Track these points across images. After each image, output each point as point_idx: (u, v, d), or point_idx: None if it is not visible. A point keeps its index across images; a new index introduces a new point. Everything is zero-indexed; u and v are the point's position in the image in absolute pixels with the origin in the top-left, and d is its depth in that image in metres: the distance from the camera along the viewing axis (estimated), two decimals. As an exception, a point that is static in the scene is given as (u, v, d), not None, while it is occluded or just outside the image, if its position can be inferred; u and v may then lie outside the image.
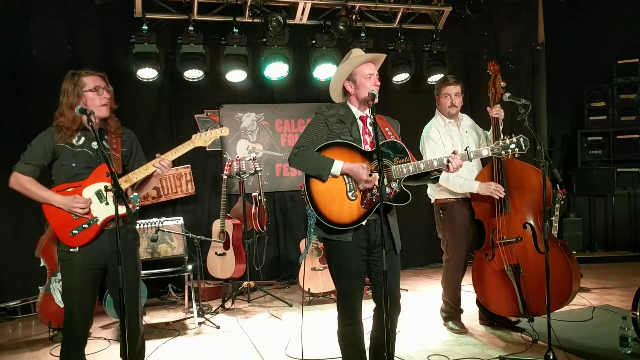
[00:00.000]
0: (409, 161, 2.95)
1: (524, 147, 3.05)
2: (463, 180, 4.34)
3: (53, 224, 3.02)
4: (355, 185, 2.96)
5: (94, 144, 3.08)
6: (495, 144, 3.09)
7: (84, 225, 3.00)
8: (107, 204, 3.01)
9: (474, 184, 4.31)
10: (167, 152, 3.17)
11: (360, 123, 3.10)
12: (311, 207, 2.99)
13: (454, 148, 4.36)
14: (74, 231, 3.00)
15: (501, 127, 4.34)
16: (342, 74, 3.12)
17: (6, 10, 5.84)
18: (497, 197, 4.20)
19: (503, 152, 3.06)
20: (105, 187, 2.90)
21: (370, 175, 2.92)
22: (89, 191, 3.04)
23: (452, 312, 4.63)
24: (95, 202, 3.03)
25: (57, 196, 3.01)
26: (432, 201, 4.69)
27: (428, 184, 4.54)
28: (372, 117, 2.83)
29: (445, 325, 4.68)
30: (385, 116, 3.24)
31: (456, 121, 4.57)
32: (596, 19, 7.73)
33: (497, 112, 4.30)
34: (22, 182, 3.03)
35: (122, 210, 2.85)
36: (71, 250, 3.01)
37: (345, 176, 2.96)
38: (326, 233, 3.03)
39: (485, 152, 3.10)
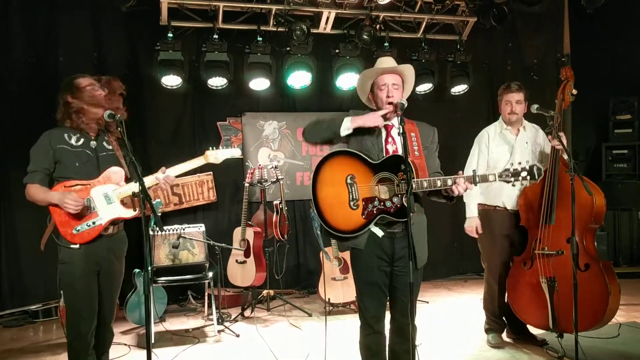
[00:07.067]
0: (413, 177, 2.83)
1: (536, 177, 2.83)
2: (470, 201, 4.41)
3: (57, 219, 3.06)
4: (358, 196, 2.93)
5: (93, 144, 3.15)
6: (505, 169, 2.86)
7: (87, 224, 3.04)
8: (112, 205, 3.07)
9: (469, 212, 4.42)
10: (177, 165, 3.24)
11: (384, 132, 3.07)
12: (314, 211, 3.00)
13: (509, 155, 4.31)
14: (77, 228, 3.03)
15: (565, 156, 4.00)
16: (365, 86, 3.16)
17: (34, 16, 5.94)
18: (475, 236, 4.39)
19: (512, 179, 2.85)
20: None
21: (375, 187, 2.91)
22: (98, 191, 3.07)
23: (491, 324, 4.51)
24: (102, 203, 3.07)
25: (54, 192, 3.05)
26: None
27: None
28: (400, 127, 2.77)
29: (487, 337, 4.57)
30: (419, 122, 3.18)
31: (515, 129, 4.40)
32: (622, 30, 7.61)
33: (557, 143, 4.01)
34: (29, 191, 3.08)
35: (127, 214, 3.07)
36: (72, 246, 3.04)
37: (349, 185, 2.95)
38: (331, 238, 3.04)
39: (492, 178, 2.89)
